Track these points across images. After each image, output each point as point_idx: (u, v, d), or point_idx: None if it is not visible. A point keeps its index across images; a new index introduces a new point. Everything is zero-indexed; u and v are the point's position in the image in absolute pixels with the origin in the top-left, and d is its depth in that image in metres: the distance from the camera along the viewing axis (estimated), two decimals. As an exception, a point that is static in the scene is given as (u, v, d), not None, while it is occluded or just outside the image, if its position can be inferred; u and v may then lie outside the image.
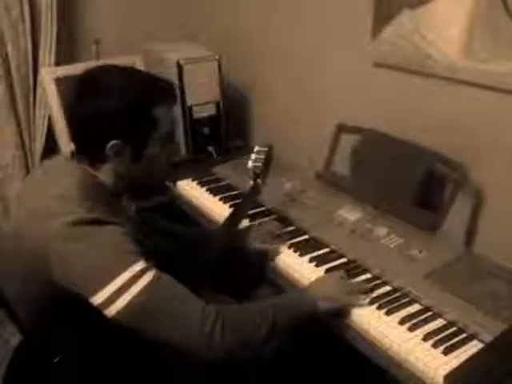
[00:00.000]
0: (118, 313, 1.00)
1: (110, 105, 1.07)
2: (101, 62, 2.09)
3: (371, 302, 1.22)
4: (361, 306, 1.21)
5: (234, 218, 1.45)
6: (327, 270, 1.34)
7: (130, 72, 1.17)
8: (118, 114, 1.08)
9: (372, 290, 1.26)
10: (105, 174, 1.13)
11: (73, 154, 1.17)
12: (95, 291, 1.00)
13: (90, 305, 1.02)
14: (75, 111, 1.12)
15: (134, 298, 1.00)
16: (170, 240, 1.49)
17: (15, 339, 1.15)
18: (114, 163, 1.12)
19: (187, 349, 1.05)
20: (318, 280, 1.27)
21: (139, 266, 1.03)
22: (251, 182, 1.48)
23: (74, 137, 1.15)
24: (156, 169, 1.18)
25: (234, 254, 1.45)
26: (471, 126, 1.44)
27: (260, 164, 1.46)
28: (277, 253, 1.43)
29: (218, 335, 1.03)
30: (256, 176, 1.47)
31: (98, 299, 1.00)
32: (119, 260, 1.02)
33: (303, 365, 1.53)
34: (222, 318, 1.04)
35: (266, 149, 1.49)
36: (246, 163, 1.48)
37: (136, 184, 1.20)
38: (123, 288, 1.00)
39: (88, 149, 1.13)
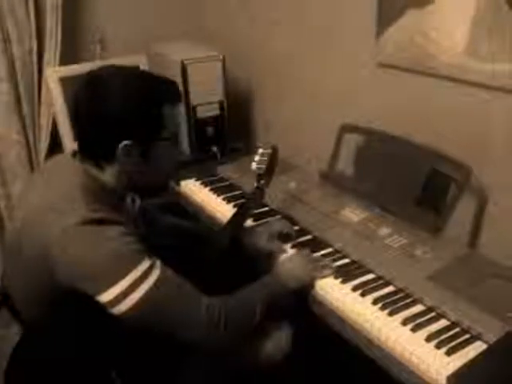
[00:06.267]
0: (127, 311, 1.02)
1: (119, 106, 1.07)
2: (106, 63, 2.11)
3: (374, 302, 1.22)
4: (362, 303, 1.21)
5: (237, 219, 1.45)
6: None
7: (135, 72, 1.19)
8: (128, 115, 1.08)
9: (375, 289, 1.26)
10: (109, 174, 1.14)
11: (75, 153, 1.18)
12: (103, 290, 1.01)
13: (93, 302, 1.03)
14: (83, 113, 1.11)
15: (143, 295, 1.03)
16: (175, 235, 1.50)
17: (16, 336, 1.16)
18: (121, 164, 1.12)
19: (194, 340, 1.11)
20: (285, 261, 1.35)
21: (146, 263, 1.05)
22: (255, 184, 1.48)
23: (81, 137, 1.15)
24: (161, 169, 1.19)
25: (241, 251, 1.45)
26: (475, 126, 1.43)
27: (263, 166, 1.46)
28: (282, 252, 1.43)
29: (223, 326, 1.10)
30: (260, 178, 1.47)
31: (105, 297, 1.02)
32: (126, 259, 1.03)
33: (305, 365, 1.53)
34: (224, 310, 1.12)
35: (270, 151, 1.49)
36: (250, 165, 1.48)
37: (139, 184, 1.20)
38: (132, 286, 1.02)
39: (95, 149, 1.13)
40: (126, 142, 1.08)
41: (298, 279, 1.29)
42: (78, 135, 1.15)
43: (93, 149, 1.13)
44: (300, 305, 1.32)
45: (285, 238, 1.46)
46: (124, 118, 1.08)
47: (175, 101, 1.17)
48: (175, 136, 1.20)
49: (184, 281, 1.11)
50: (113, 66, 1.15)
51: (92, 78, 1.12)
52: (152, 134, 1.12)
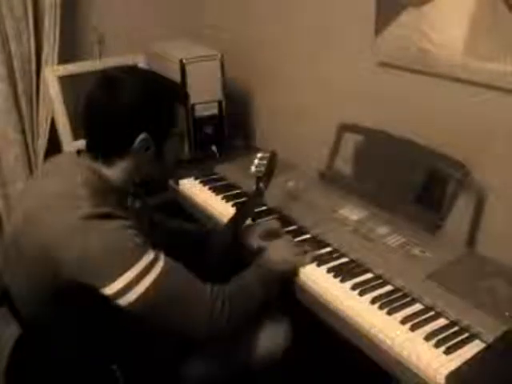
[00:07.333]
0: (133, 302, 1.03)
1: (136, 101, 1.11)
2: (105, 62, 2.12)
3: (373, 301, 1.22)
4: (359, 300, 1.21)
5: (236, 221, 1.45)
6: (329, 270, 1.34)
7: (145, 72, 1.27)
8: (144, 110, 1.12)
9: (373, 288, 1.26)
10: (117, 171, 1.16)
11: (80, 152, 1.19)
12: (108, 282, 1.02)
13: (95, 296, 1.03)
14: (99, 110, 1.13)
15: (148, 287, 1.04)
16: (177, 236, 1.50)
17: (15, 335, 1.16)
18: (136, 157, 1.15)
19: (198, 328, 1.12)
20: (272, 247, 1.38)
21: (150, 255, 1.07)
22: (254, 187, 1.49)
23: (94, 134, 1.16)
24: (168, 165, 1.24)
25: (236, 251, 1.45)
26: (474, 125, 1.43)
27: (262, 169, 1.48)
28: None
29: (227, 313, 1.13)
30: (259, 180, 1.48)
31: (110, 290, 1.03)
32: (131, 251, 1.05)
33: (304, 365, 1.54)
34: (228, 297, 1.15)
35: (269, 154, 1.50)
36: (249, 168, 1.49)
37: (145, 180, 1.23)
38: (137, 278, 1.03)
39: (109, 145, 1.15)
40: (143, 136, 1.12)
41: (286, 261, 1.33)
42: (91, 133, 1.17)
43: (106, 145, 1.15)
44: (291, 297, 1.34)
45: (275, 234, 1.48)
46: (140, 112, 1.12)
47: (181, 100, 1.22)
48: (182, 134, 1.23)
49: (187, 271, 1.13)
50: (123, 67, 1.21)
51: (106, 77, 1.17)
52: (166, 129, 1.18)
